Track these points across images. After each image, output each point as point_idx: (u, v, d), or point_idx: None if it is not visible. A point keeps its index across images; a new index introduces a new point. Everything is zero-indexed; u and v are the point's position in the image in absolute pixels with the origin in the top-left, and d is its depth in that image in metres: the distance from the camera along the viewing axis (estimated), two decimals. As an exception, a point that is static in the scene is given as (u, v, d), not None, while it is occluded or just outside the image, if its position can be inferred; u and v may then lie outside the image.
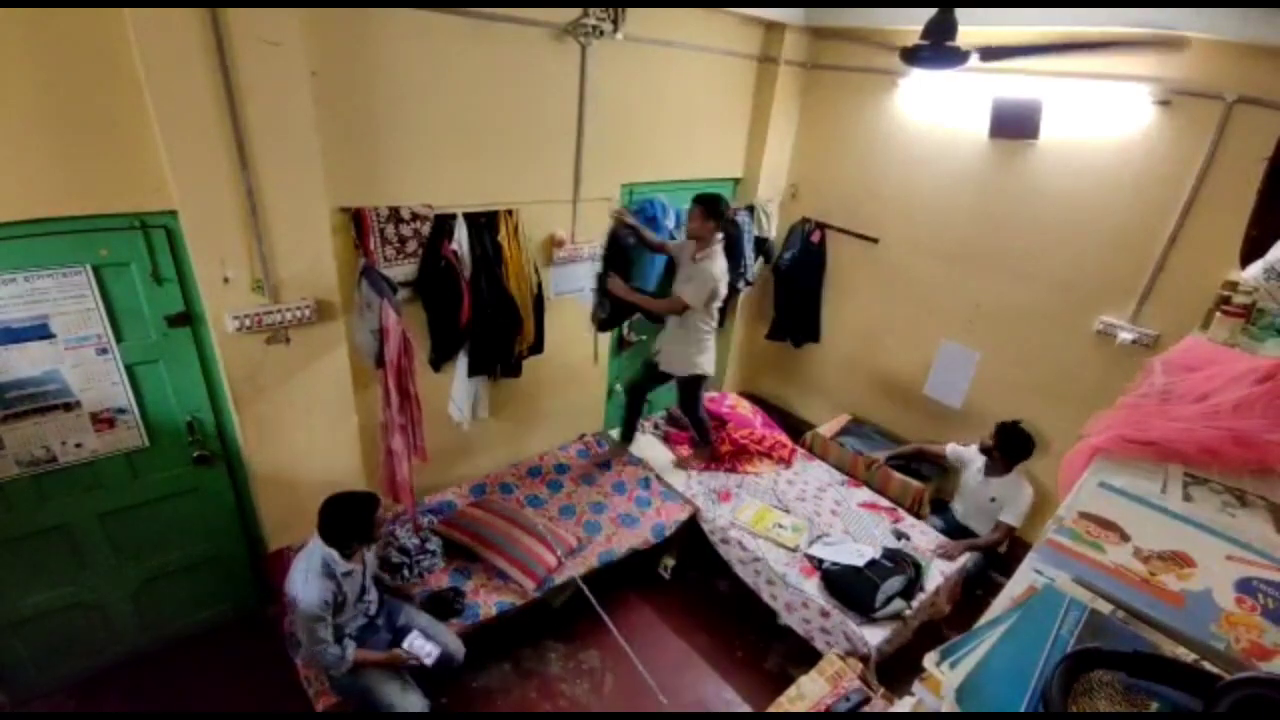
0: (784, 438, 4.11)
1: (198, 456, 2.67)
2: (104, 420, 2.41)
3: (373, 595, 2.51)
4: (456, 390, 3.24)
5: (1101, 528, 1.12)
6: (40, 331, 2.20)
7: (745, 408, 4.31)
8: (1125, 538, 1.10)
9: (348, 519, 2.26)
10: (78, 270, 2.19)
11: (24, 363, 2.20)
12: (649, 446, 4.07)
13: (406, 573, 2.90)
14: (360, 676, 2.34)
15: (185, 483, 2.71)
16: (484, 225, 3.04)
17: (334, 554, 2.27)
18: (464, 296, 2.96)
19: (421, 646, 2.41)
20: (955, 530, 3.56)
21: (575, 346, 3.88)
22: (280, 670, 2.64)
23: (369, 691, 2.35)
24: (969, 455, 3.59)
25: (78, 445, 2.39)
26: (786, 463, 3.98)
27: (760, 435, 4.02)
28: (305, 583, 2.22)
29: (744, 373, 5.16)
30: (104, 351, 2.33)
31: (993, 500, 3.40)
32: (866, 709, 2.46)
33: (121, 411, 2.44)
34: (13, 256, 2.08)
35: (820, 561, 3.13)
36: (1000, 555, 3.44)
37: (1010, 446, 3.30)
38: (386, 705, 2.35)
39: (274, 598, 2.83)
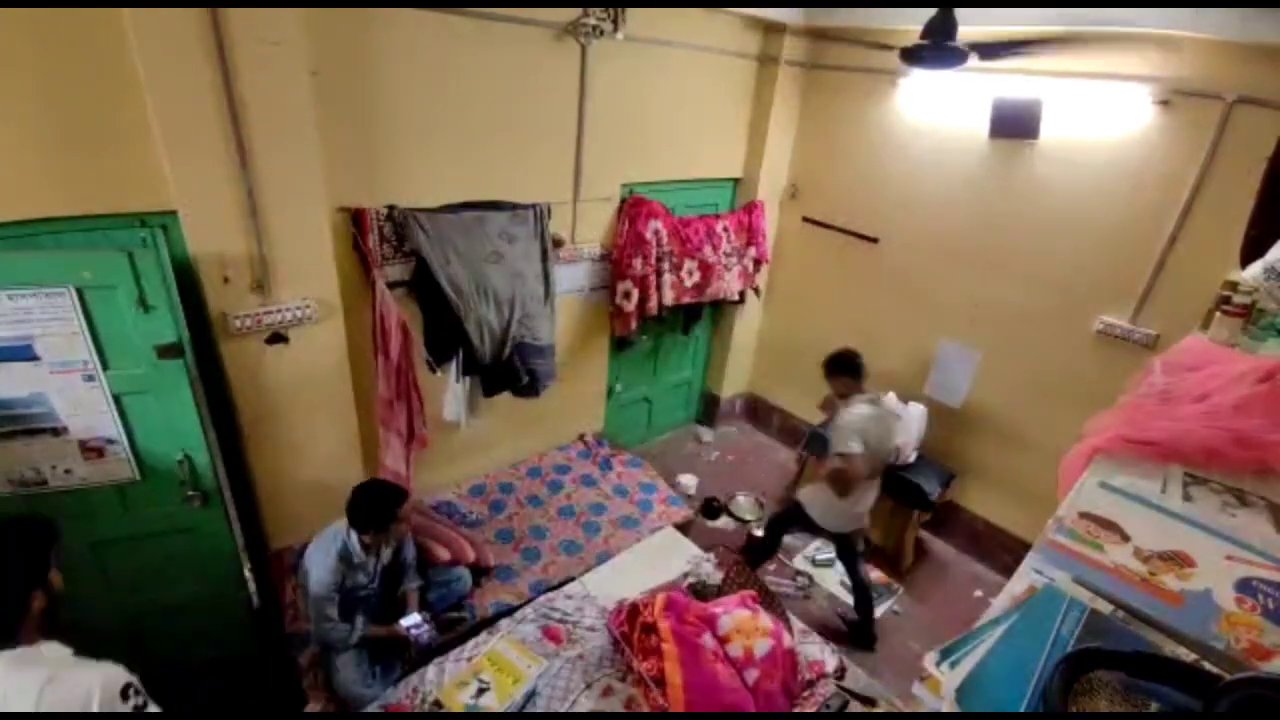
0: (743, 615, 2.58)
1: (190, 496, 2.50)
2: (93, 449, 2.31)
3: (377, 583, 2.59)
4: (451, 391, 3.24)
5: (1101, 527, 1.12)
6: (24, 353, 2.09)
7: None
8: (1125, 538, 1.10)
9: (376, 505, 2.39)
10: (60, 291, 2.05)
11: (8, 383, 2.11)
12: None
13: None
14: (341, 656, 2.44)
15: (179, 521, 2.56)
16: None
17: (356, 543, 2.41)
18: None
19: (416, 627, 2.51)
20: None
21: (574, 346, 3.88)
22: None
23: (335, 671, 2.44)
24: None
25: (67, 471, 2.30)
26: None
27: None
28: (321, 564, 2.36)
29: (743, 374, 5.17)
30: (90, 379, 2.21)
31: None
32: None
33: (111, 442, 2.32)
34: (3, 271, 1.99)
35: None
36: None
37: (841, 367, 3.06)
38: (340, 683, 2.42)
39: (275, 646, 2.74)
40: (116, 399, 2.29)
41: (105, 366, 2.23)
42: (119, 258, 2.10)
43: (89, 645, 2.62)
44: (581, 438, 4.14)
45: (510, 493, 3.59)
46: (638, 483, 3.77)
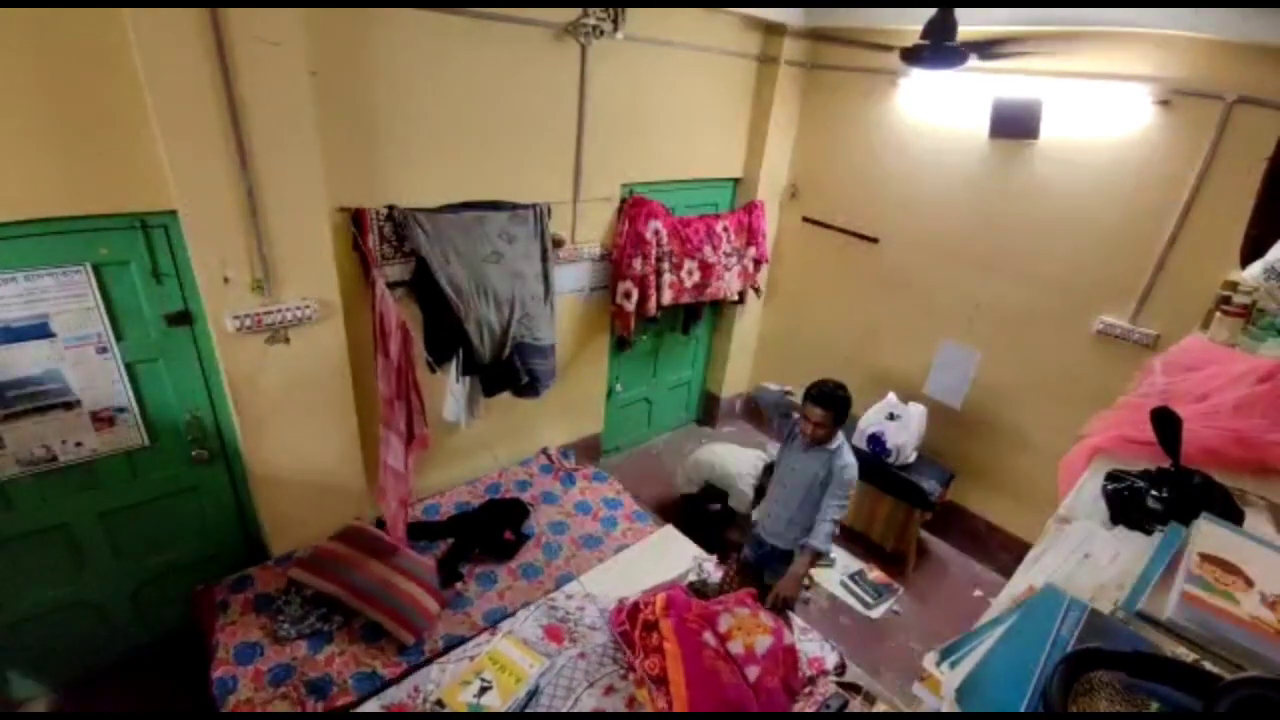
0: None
1: (196, 455, 2.67)
2: (104, 419, 2.41)
3: None
4: (451, 391, 3.24)
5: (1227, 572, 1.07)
6: (40, 331, 2.20)
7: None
8: (1249, 582, 1.06)
9: None
10: (78, 269, 2.19)
11: (24, 362, 2.20)
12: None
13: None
14: None
15: (185, 481, 2.71)
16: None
17: None
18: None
19: None
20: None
21: (574, 346, 3.88)
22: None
23: None
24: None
25: (78, 444, 2.39)
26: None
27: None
28: None
29: (743, 374, 5.17)
30: (104, 350, 2.33)
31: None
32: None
33: (121, 410, 2.44)
34: (13, 256, 2.08)
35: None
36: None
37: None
38: None
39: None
40: (128, 368, 2.42)
41: (119, 338, 2.36)
42: (134, 234, 2.26)
43: (97, 619, 2.65)
44: (544, 452, 3.96)
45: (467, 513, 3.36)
46: (601, 498, 3.60)
